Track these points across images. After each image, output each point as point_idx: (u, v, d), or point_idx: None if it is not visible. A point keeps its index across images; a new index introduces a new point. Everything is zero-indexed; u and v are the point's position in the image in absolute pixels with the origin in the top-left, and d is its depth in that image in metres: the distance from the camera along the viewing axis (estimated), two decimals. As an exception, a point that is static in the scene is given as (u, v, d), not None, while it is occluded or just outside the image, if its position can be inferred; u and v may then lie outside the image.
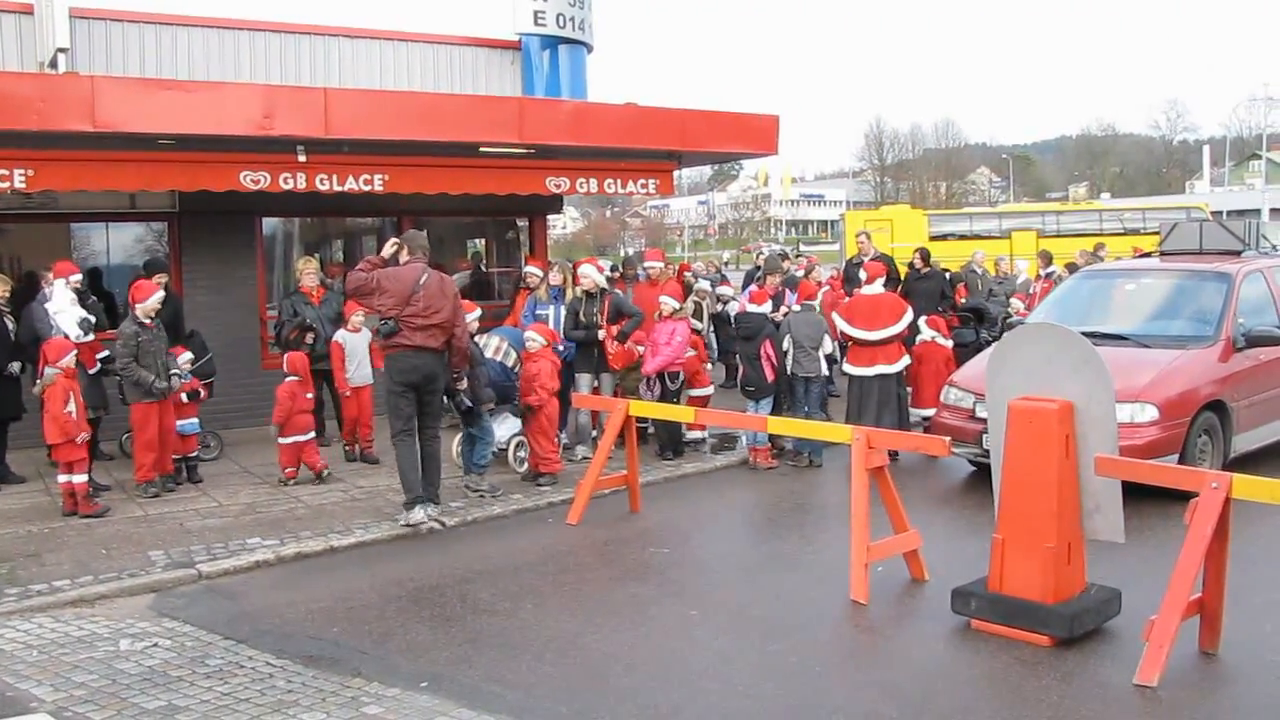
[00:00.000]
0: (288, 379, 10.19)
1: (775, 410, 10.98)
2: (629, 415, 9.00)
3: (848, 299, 12.82)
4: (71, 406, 8.95)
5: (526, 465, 10.31)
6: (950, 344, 12.61)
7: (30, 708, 5.34)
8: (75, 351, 9.24)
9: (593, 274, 11.12)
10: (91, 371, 10.03)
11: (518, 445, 10.47)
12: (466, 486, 9.71)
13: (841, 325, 11.15)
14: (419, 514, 8.59)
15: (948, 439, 7.33)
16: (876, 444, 7.10)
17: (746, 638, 6.30)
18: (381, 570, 7.70)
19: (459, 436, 10.26)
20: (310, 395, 10.43)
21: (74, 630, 6.48)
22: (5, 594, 7.05)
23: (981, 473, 9.79)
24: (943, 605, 6.56)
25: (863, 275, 11.63)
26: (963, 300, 15.69)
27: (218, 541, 8.25)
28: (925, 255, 15.77)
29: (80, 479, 9.03)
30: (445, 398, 9.17)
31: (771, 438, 10.92)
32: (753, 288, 12.71)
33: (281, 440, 10.10)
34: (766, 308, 11.18)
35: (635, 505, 9.34)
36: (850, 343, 11.18)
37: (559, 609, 6.83)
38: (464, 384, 9.08)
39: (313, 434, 10.32)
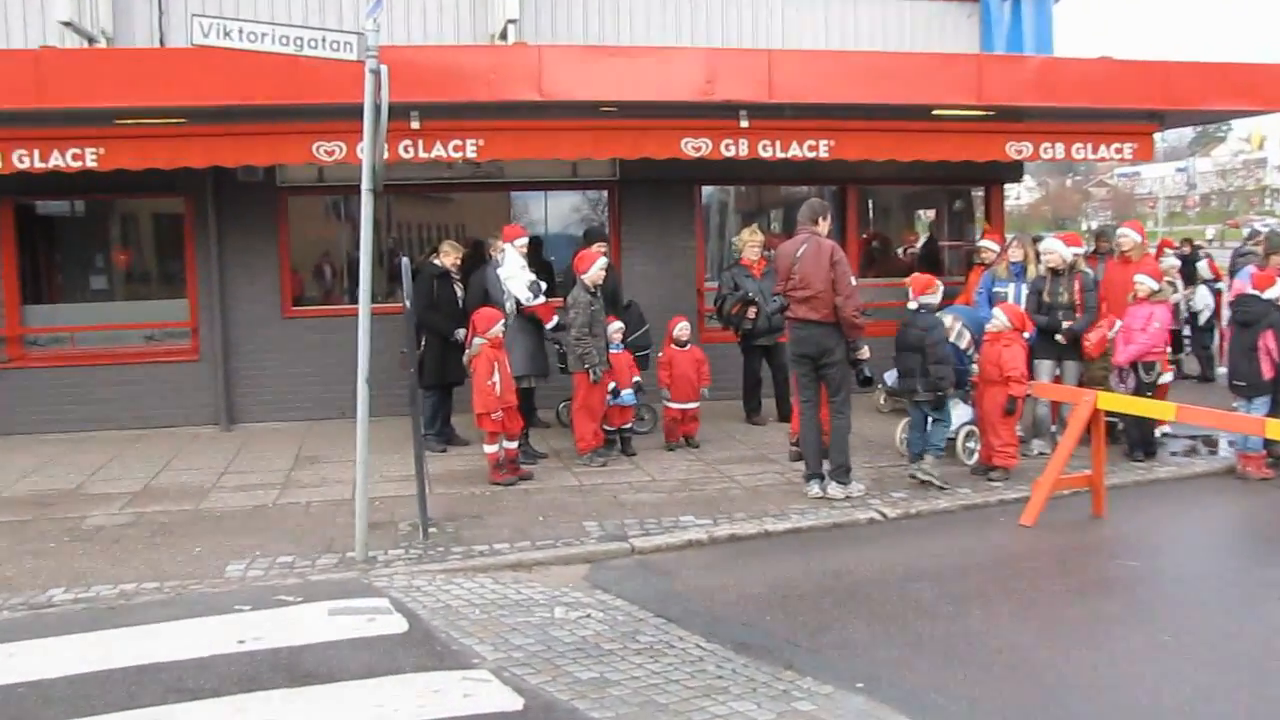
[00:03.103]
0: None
1: (1274, 411, 10.03)
2: (1096, 408, 8.58)
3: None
4: (496, 378, 9.58)
5: (976, 457, 10.08)
6: None
7: (473, 664, 5.83)
8: (504, 322, 9.92)
9: (1059, 249, 10.61)
10: (549, 326, 10.78)
11: (968, 435, 10.25)
12: (911, 475, 9.66)
13: None
14: (813, 488, 9.24)
15: None
16: None
17: (1234, 675, 5.78)
18: (817, 559, 7.78)
19: (904, 422, 10.26)
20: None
21: (512, 593, 7.02)
22: (451, 552, 7.81)
23: None
24: None
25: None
26: None
27: (650, 517, 8.66)
28: None
29: (491, 449, 9.73)
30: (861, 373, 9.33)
31: (1268, 444, 9.99)
32: (1251, 269, 11.63)
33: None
34: (1274, 293, 10.20)
35: (1099, 510, 8.87)
36: None
37: (1009, 618, 6.60)
38: (864, 355, 9.20)
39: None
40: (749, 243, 12.13)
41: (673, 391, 11.08)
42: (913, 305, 9.78)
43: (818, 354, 9.12)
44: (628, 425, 10.96)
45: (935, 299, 9.81)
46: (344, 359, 11.24)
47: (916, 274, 10.32)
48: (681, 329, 11.24)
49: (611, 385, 10.51)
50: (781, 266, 9.24)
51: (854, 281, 9.10)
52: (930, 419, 9.70)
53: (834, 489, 9.17)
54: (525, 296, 10.50)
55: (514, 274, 10.54)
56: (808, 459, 9.41)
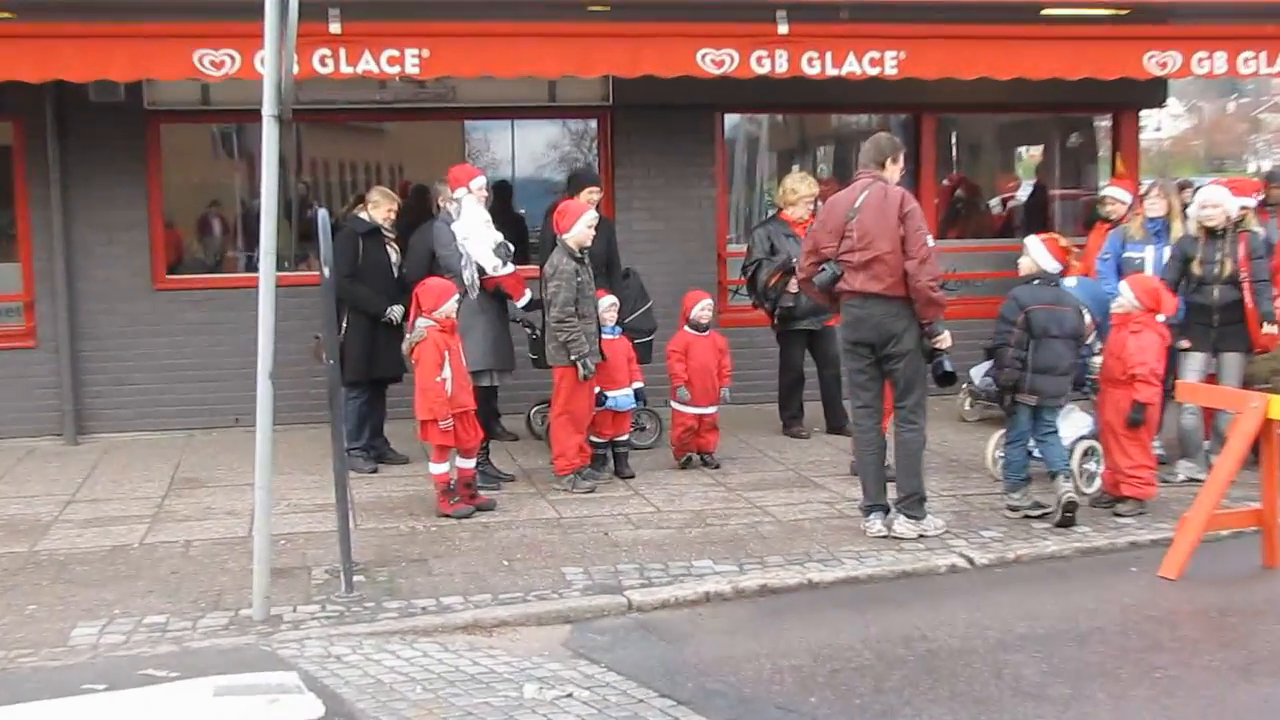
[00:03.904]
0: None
1: None
2: (1268, 418, 8.58)
3: None
4: (447, 373, 9.59)
5: (1099, 483, 10.13)
6: None
7: (413, 761, 5.88)
8: (458, 297, 9.91)
9: (1225, 200, 10.59)
10: (519, 304, 10.86)
11: (1086, 453, 10.30)
12: (1009, 508, 9.73)
13: None
14: (875, 524, 9.28)
15: None
16: None
17: None
18: (881, 620, 7.80)
19: (997, 435, 10.33)
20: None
21: (466, 664, 7.04)
22: (384, 608, 7.82)
23: None
24: None
25: None
26: None
27: (654, 561, 8.69)
28: None
29: (439, 469, 9.76)
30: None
31: None
32: None
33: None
34: None
35: (1273, 558, 8.86)
36: None
37: (1145, 705, 6.60)
38: (944, 342, 9.16)
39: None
40: (801, 195, 12.19)
41: (691, 390, 11.13)
42: (1048, 267, 9.73)
43: (881, 340, 9.09)
44: (624, 437, 11.03)
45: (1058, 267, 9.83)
46: (238, 346, 11.30)
47: (1051, 236, 10.22)
48: (703, 308, 11.30)
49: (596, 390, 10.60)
50: (833, 221, 9.16)
51: (931, 242, 9.09)
52: (1044, 431, 9.70)
53: (902, 525, 9.20)
54: (490, 263, 10.47)
55: (474, 231, 10.50)
56: (866, 485, 9.44)
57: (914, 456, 9.26)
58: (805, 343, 12.34)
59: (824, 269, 9.14)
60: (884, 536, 9.16)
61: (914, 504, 9.24)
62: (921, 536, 9.13)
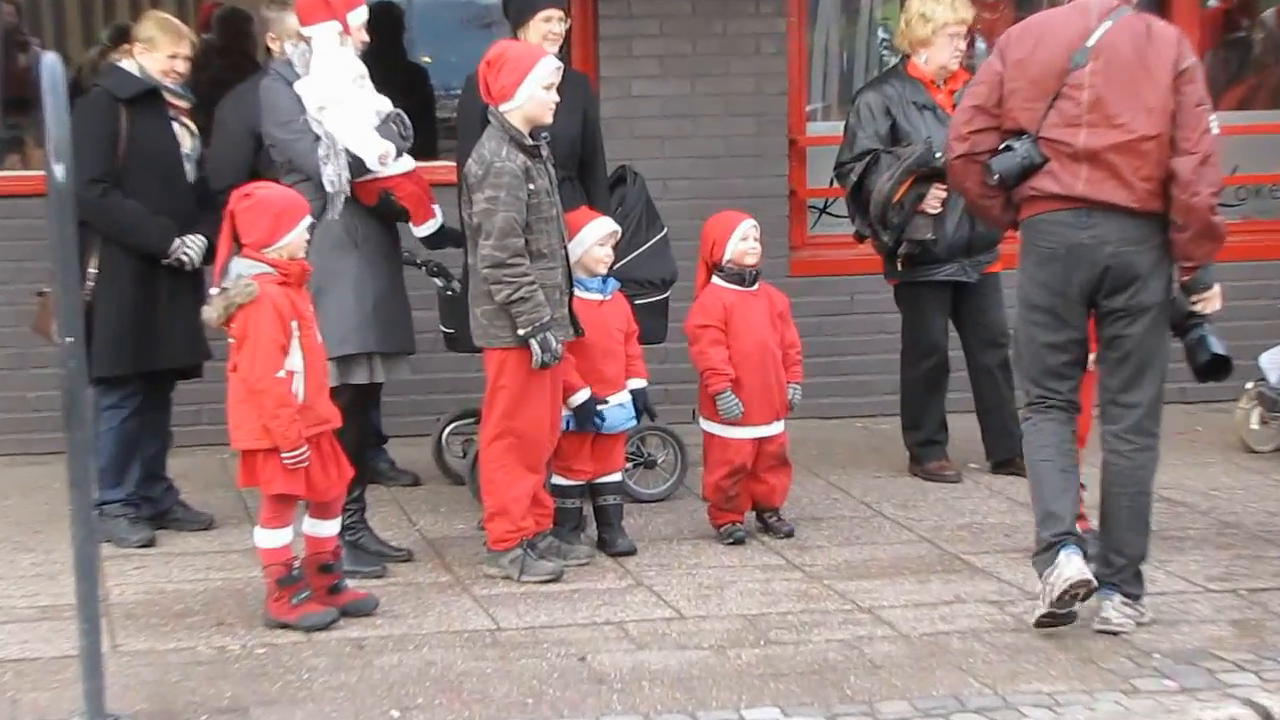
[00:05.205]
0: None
1: None
2: None
3: None
4: (296, 362, 9.35)
5: None
6: None
7: None
8: (309, 221, 9.62)
9: None
10: (422, 230, 10.58)
11: None
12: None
13: None
14: (1116, 613, 9.01)
15: None
16: None
17: None
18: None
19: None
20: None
21: None
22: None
23: None
24: None
25: None
26: None
27: (672, 710, 8.35)
28: None
29: (274, 538, 9.46)
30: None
31: None
32: None
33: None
34: None
35: None
36: None
37: None
38: (1212, 303, 9.03)
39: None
40: (942, 25, 12.01)
41: (743, 396, 10.84)
42: None
43: (1113, 285, 8.86)
44: (613, 479, 10.85)
45: None
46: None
47: None
48: (745, 237, 11.00)
49: (582, 394, 10.42)
50: (1039, 64, 8.99)
51: (1216, 126, 8.78)
52: None
53: (1119, 612, 9.00)
54: (372, 151, 10.14)
55: (339, 95, 10.22)
56: (1045, 523, 9.12)
57: (1147, 497, 9.10)
58: (948, 304, 12.23)
59: (1011, 148, 8.86)
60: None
61: (1136, 578, 9.10)
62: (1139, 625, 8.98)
